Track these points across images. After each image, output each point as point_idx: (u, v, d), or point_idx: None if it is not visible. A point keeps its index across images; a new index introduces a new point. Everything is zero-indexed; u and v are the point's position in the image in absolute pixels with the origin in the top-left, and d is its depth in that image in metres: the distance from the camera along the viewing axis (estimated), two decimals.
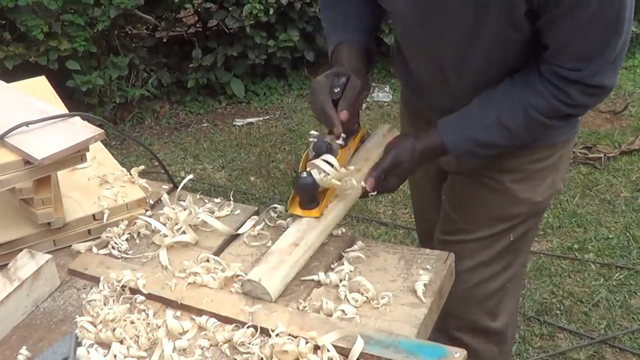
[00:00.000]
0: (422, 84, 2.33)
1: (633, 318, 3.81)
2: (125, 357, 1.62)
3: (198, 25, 6.77)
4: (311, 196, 1.98)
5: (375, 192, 2.04)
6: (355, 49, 2.22)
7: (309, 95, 2.10)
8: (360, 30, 2.28)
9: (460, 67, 2.11)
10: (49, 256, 1.86)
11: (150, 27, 6.42)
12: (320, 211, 1.98)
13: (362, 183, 2.00)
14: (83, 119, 2.00)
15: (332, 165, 1.95)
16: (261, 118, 6.23)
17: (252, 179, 5.30)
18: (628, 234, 4.48)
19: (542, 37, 1.91)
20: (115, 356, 1.62)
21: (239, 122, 6.19)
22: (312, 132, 2.05)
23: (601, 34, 1.84)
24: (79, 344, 1.66)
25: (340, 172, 1.96)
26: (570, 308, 3.89)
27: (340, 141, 2.01)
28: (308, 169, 1.96)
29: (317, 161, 1.95)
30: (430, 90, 2.28)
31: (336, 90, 2.03)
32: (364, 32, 2.28)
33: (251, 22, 5.99)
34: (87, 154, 1.95)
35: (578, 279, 4.11)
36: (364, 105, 6.20)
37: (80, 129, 1.95)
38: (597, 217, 4.66)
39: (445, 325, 2.41)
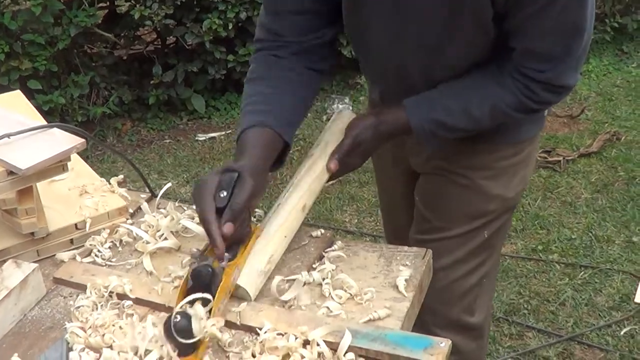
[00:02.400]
0: (390, 93, 2.37)
1: (599, 315, 3.89)
2: None
3: (157, 42, 6.79)
4: (188, 344, 1.61)
5: (341, 173, 2.09)
6: (265, 137, 1.99)
7: (192, 196, 1.85)
8: (280, 116, 2.04)
9: (429, 77, 2.15)
10: (35, 265, 1.88)
11: (110, 45, 6.43)
12: (200, 356, 1.63)
13: (326, 165, 2.04)
14: (62, 129, 2.03)
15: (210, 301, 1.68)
16: (223, 132, 6.26)
17: None
18: (590, 234, 4.57)
19: (508, 40, 1.97)
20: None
21: (201, 137, 6.21)
22: (194, 249, 1.85)
23: (565, 36, 1.91)
24: (70, 349, 1.68)
25: (221, 311, 1.74)
26: (537, 308, 3.96)
27: (224, 263, 1.73)
28: (182, 308, 1.65)
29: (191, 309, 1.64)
30: (399, 97, 2.32)
31: (222, 195, 1.78)
32: (284, 119, 2.05)
33: (210, 38, 6.02)
34: (68, 163, 1.98)
35: (544, 279, 4.18)
36: (324, 117, 6.24)
37: (61, 139, 1.97)
38: (559, 219, 4.75)
39: (425, 322, 2.44)
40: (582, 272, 4.22)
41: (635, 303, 3.96)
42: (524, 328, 3.83)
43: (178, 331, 1.57)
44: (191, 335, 1.59)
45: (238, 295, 1.80)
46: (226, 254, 1.74)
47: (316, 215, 4.86)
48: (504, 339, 3.76)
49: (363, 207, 4.99)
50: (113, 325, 1.72)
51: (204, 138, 6.19)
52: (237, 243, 1.83)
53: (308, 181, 2.05)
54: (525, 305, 3.98)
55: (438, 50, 2.05)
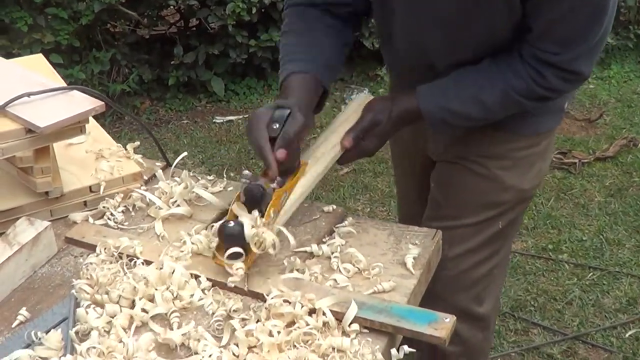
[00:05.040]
0: (410, 76, 2.37)
1: (605, 316, 3.89)
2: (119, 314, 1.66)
3: (180, 24, 6.80)
4: (239, 247, 1.73)
5: (355, 155, 2.10)
6: (308, 81, 2.09)
7: (247, 128, 1.94)
8: (320, 63, 2.15)
9: (451, 57, 2.15)
10: (47, 223, 1.90)
11: (133, 23, 6.44)
12: (249, 265, 1.76)
13: (341, 141, 2.06)
14: (82, 92, 2.05)
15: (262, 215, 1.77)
16: (241, 116, 6.26)
17: (232, 174, 5.33)
18: (601, 236, 4.57)
19: (528, 20, 1.97)
20: (111, 316, 1.66)
21: (218, 119, 6.22)
22: (245, 171, 1.81)
23: (584, 21, 1.92)
24: (77, 305, 1.70)
25: (272, 225, 1.79)
26: (544, 305, 3.97)
27: (274, 185, 1.82)
28: (236, 219, 1.76)
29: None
30: (418, 80, 2.32)
31: (275, 127, 1.86)
32: (323, 66, 2.15)
33: (233, 22, 6.02)
34: (87, 125, 2.00)
35: (552, 278, 4.19)
36: (343, 107, 6.24)
37: (80, 101, 1.99)
38: (571, 220, 4.75)
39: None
40: (591, 274, 4.22)
41: None
42: (530, 324, 3.84)
43: (230, 234, 1.71)
44: (243, 239, 1.70)
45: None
46: (278, 178, 1.83)
47: (329, 202, 4.85)
48: (509, 334, 3.76)
49: (376, 196, 5.00)
50: (120, 282, 1.73)
51: (221, 121, 6.19)
52: (286, 173, 1.91)
53: (312, 148, 2.08)
54: (532, 302, 3.99)
55: (463, 28, 2.05)
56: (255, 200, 1.77)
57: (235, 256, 1.72)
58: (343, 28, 2.27)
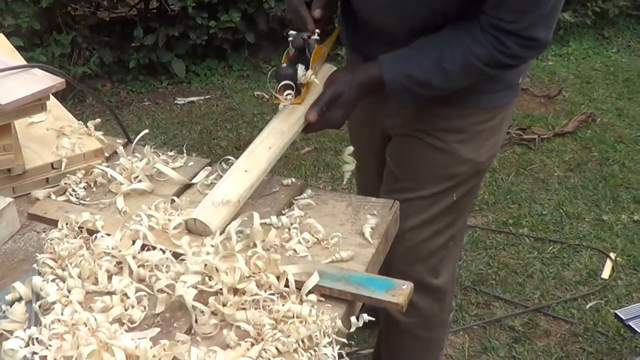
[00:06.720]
0: (367, 43, 2.40)
1: (566, 289, 3.95)
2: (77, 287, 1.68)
3: (140, 6, 6.78)
4: (293, 85, 2.13)
5: (320, 126, 2.15)
6: None
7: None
8: None
9: (409, 27, 2.19)
10: (10, 199, 1.91)
11: (93, 6, 6.42)
12: (302, 99, 2.14)
13: (305, 116, 2.10)
14: (43, 69, 2.06)
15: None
16: (202, 97, 6.27)
17: (194, 155, 5.32)
18: (561, 210, 4.63)
19: None
20: (69, 290, 1.66)
21: (180, 100, 6.22)
22: (291, 31, 2.17)
23: None
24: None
25: (317, 69, 2.19)
26: (505, 279, 4.02)
27: (315, 36, 2.17)
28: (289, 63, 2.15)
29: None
30: (375, 49, 2.34)
31: None
32: None
33: (193, 3, 6.00)
34: (48, 102, 2.01)
35: (513, 252, 4.24)
36: None
37: (41, 79, 2.00)
38: (531, 195, 4.81)
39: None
40: (551, 247, 4.28)
41: (602, 279, 4.03)
42: (491, 298, 3.88)
43: (285, 74, 2.12)
44: (296, 79, 2.12)
45: (199, 231, 1.85)
46: (317, 30, 2.18)
47: None
48: (471, 307, 3.81)
49: (338, 174, 5.02)
50: (80, 256, 1.74)
51: (183, 102, 6.20)
52: (324, 34, 2.27)
53: (275, 122, 2.11)
54: (494, 276, 4.04)
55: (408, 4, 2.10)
56: (301, 48, 2.16)
57: (289, 88, 2.13)
58: None
